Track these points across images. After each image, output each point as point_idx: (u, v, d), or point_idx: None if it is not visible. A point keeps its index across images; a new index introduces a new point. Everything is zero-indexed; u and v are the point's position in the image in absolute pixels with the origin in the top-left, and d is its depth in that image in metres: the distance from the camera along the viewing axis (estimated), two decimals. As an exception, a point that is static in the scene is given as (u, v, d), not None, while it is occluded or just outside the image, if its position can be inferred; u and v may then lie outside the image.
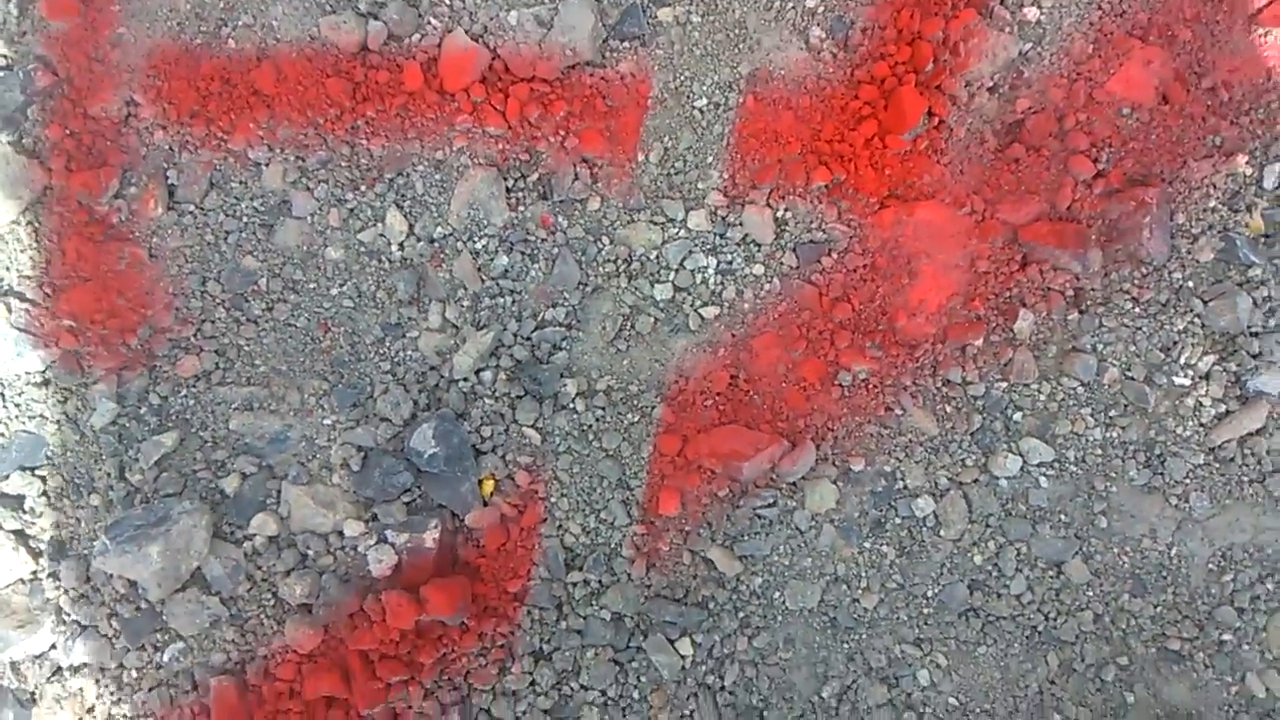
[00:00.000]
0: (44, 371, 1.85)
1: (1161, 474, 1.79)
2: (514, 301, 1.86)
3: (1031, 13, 1.83)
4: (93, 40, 1.90)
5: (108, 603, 1.82)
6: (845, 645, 1.82)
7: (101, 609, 1.82)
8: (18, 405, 1.86)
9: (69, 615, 1.83)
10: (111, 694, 1.83)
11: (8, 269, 1.88)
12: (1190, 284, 1.79)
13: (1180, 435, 1.79)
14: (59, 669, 1.84)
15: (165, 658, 1.81)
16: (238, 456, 1.84)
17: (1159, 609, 1.79)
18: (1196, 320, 1.79)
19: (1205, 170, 1.80)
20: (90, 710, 1.83)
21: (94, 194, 1.85)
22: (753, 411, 1.84)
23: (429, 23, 1.87)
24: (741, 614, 1.82)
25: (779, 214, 1.86)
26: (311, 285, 1.88)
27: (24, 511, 1.85)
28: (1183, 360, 1.79)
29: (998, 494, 1.80)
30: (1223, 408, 1.78)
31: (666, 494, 1.81)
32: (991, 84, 1.84)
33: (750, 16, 1.87)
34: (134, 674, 1.83)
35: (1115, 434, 1.80)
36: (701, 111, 1.87)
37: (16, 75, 1.90)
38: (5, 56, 1.93)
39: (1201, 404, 1.78)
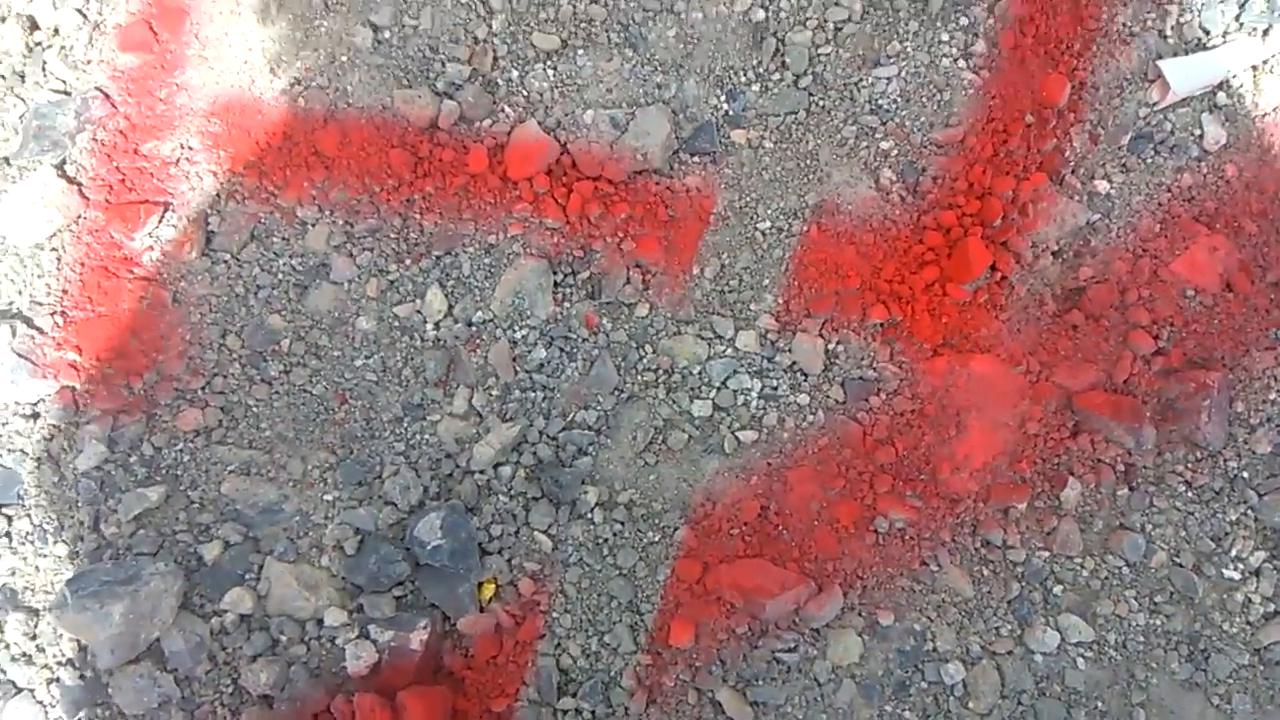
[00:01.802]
0: (36, 404, 1.86)
1: (1205, 670, 1.80)
2: (545, 398, 1.90)
3: (1102, 185, 1.97)
4: (160, 79, 2.00)
5: (51, 666, 1.76)
6: (856, 819, 1.77)
7: (43, 672, 1.76)
8: (1, 435, 1.85)
9: (4, 674, 1.77)
10: (33, 770, 1.74)
11: (20, 292, 1.91)
12: (1245, 474, 1.86)
13: (1226, 631, 1.81)
14: (-20, 733, 1.76)
15: (102, 736, 1.73)
16: (224, 523, 1.83)
17: (1196, 821, 1.76)
18: (1250, 513, 1.84)
19: (1268, 361, 1.89)
20: (5, 786, 1.73)
21: (130, 229, 1.92)
22: (780, 547, 1.86)
23: (503, 110, 1.98)
24: (746, 768, 1.77)
25: (830, 346, 1.93)
26: (336, 353, 1.92)
27: (-20, 550, 1.81)
28: (1234, 552, 1.83)
29: (1032, 670, 1.81)
30: (1271, 606, 1.82)
31: (679, 623, 1.80)
32: (1056, 248, 1.95)
33: (823, 149, 1.99)
34: (63, 750, 1.74)
35: (1159, 621, 1.82)
36: (764, 234, 1.97)
37: (73, 101, 2.00)
38: (64, 81, 2.02)
39: (1250, 600, 1.82)
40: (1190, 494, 1.87)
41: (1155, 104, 1.99)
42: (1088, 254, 1.97)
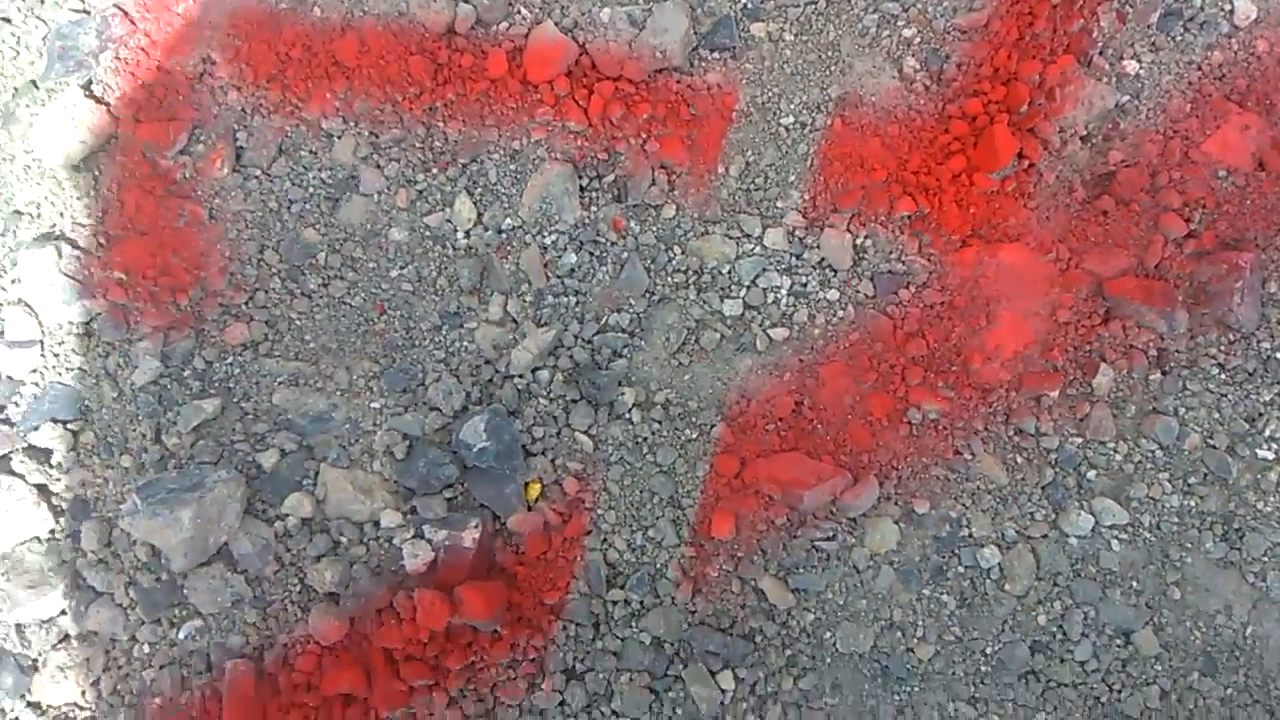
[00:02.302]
0: (88, 323, 1.95)
1: (1239, 549, 1.89)
2: (578, 302, 1.98)
3: (1131, 66, 1.98)
4: (177, -7, 2.03)
5: (127, 570, 1.90)
6: (896, 697, 1.90)
7: (120, 576, 1.90)
8: (56, 355, 1.96)
9: (84, 580, 1.91)
10: (120, 668, 1.90)
11: (62, 214, 1.99)
12: (1279, 355, 1.90)
13: (1261, 510, 1.89)
14: (67, 636, 1.91)
15: (181, 635, 1.88)
16: (278, 432, 1.94)
17: (1230, 690, 1.88)
18: (1282, 393, 1.90)
19: (1300, 241, 1.92)
20: (95, 683, 1.90)
21: (160, 147, 1.97)
22: (815, 441, 1.94)
23: (519, 11, 2.01)
24: (789, 651, 1.90)
25: (858, 240, 1.98)
26: (371, 265, 1.99)
27: (50, 466, 1.94)
28: (1268, 433, 1.90)
29: (1067, 552, 1.90)
30: (1305, 485, 1.89)
31: (720, 516, 1.91)
32: (1085, 133, 1.98)
33: (844, 40, 2.01)
34: (146, 649, 1.90)
35: (1193, 503, 1.90)
36: (787, 129, 2.00)
37: (93, 20, 2.04)
38: (82, 1, 2.05)
39: (1284, 479, 1.89)
40: (1223, 376, 1.93)
41: (1188, -23, 1.98)
42: (1117, 137, 1.99)
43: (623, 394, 1.96)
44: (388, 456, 1.93)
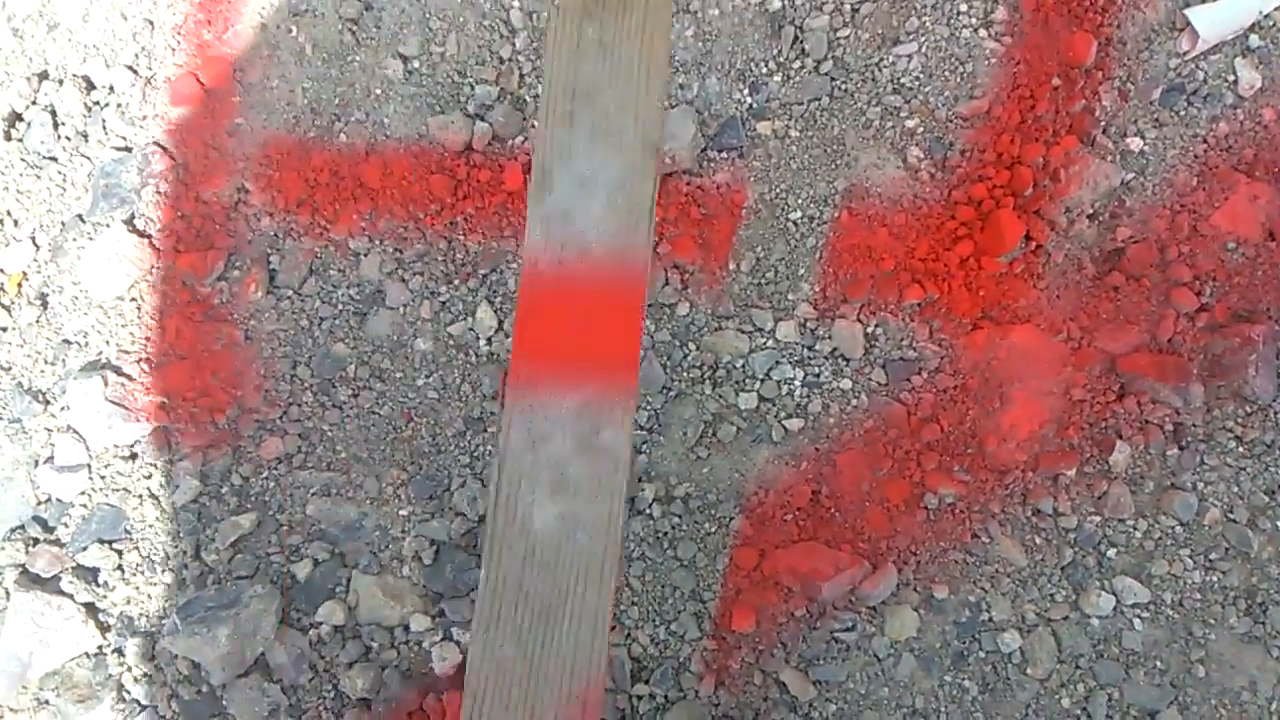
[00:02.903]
0: (133, 446, 2.14)
1: (1263, 623, 1.93)
2: (597, 403, 2.10)
3: (1135, 143, 2.07)
4: (211, 128, 2.24)
5: (170, 684, 2.05)
6: (922, 784, 1.96)
7: (163, 689, 2.05)
8: (103, 478, 2.14)
9: (130, 694, 2.07)
10: (165, 777, 2.04)
11: (108, 343, 2.18)
12: (1297, 425, 1.96)
13: (1285, 583, 1.93)
14: (115, 747, 2.06)
15: (222, 743, 2.02)
16: (312, 542, 2.09)
17: (1259, 768, 1.91)
18: (1304, 463, 1.95)
19: (1314, 309, 1.98)
20: (142, 793, 2.04)
21: (199, 275, 2.16)
22: (834, 530, 2.03)
23: (533, 125, 2.16)
24: (813, 742, 1.97)
25: (869, 330, 2.08)
26: (398, 375, 2.15)
27: (97, 585, 2.11)
28: (1289, 504, 1.94)
29: (1089, 634, 1.96)
30: (1331, 557, 1.93)
31: (741, 610, 2.00)
32: (1092, 211, 2.07)
33: (849, 133, 2.13)
34: (189, 758, 2.04)
35: (1215, 578, 1.95)
36: (795, 224, 2.13)
37: (135, 157, 2.25)
38: (124, 138, 2.27)
39: (1309, 551, 1.93)
40: (1241, 449, 1.98)
41: (1185, 53, 2.08)
42: (1124, 214, 2.08)
43: (643, 489, 2.08)
44: (416, 562, 2.06)
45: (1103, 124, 2.15)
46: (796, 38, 2.21)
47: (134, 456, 2.21)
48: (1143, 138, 2.13)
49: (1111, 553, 2.04)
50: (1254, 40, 2.11)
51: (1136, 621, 2.01)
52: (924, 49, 2.17)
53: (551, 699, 1.33)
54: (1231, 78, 2.13)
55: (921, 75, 2.18)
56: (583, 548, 1.39)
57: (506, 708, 1.32)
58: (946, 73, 2.17)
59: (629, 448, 1.37)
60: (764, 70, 2.22)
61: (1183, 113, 2.14)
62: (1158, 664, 2.00)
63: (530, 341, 1.46)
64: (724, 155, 2.23)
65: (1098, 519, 2.04)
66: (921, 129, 2.19)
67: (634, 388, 1.41)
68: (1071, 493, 2.06)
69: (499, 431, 1.41)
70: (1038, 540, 2.06)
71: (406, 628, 2.10)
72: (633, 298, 1.48)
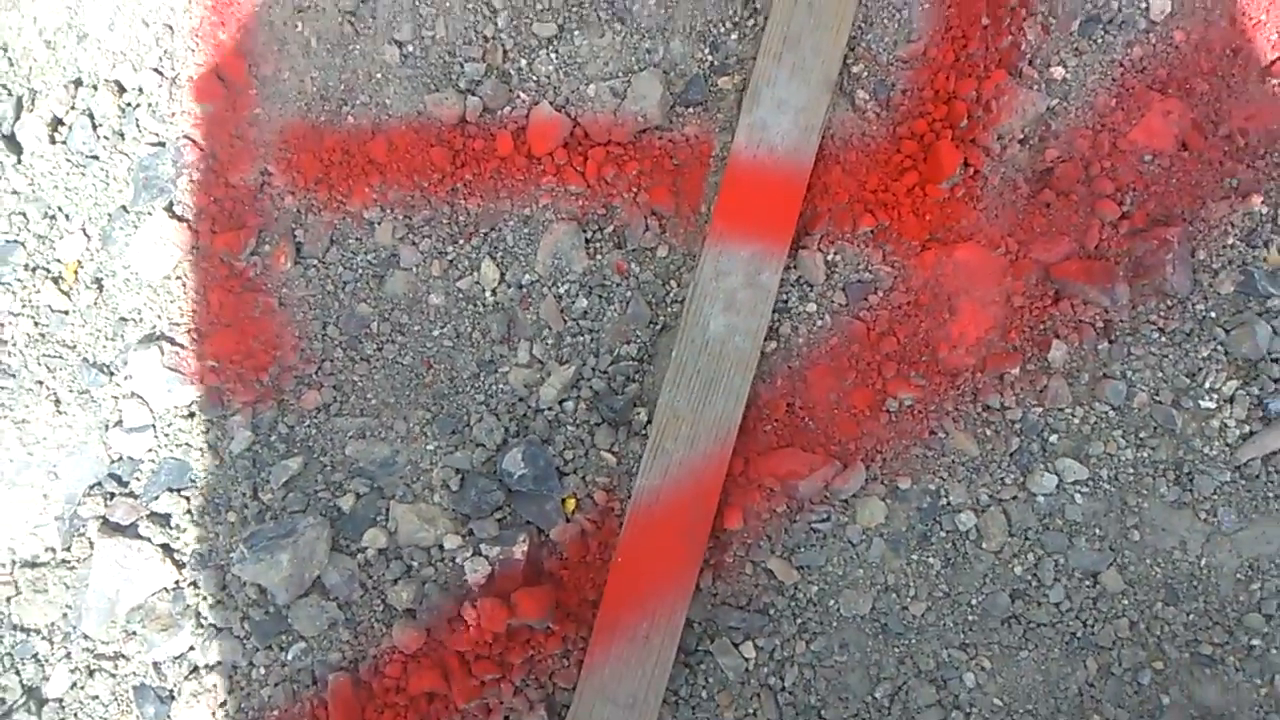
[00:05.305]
0: (190, 405, 2.45)
1: (1190, 491, 2.21)
2: (593, 339, 2.40)
3: (1058, 72, 2.33)
4: (233, 120, 2.53)
5: (241, 607, 2.38)
6: (896, 649, 2.27)
7: (235, 613, 2.38)
8: (167, 435, 2.46)
9: (206, 619, 2.40)
10: (242, 689, 2.38)
11: (160, 317, 2.49)
12: (1212, 314, 2.23)
13: (1207, 455, 2.21)
14: (196, 668, 2.40)
15: (289, 656, 2.35)
16: (353, 479, 2.40)
17: (1191, 616, 2.20)
18: (1219, 348, 2.22)
19: (1223, 210, 2.25)
20: (222, 704, 2.38)
21: (234, 252, 2.46)
22: (808, 436, 2.33)
23: (518, 96, 2.45)
24: (799, 620, 2.28)
25: (829, 257, 2.36)
26: (416, 328, 2.45)
27: (170, 528, 2.43)
28: (1208, 385, 2.22)
29: (1035, 510, 2.25)
30: (1247, 428, 2.20)
31: (730, 510, 2.30)
32: (1022, 136, 2.33)
33: (801, 83, 2.39)
34: (262, 671, 2.38)
35: (1145, 454, 2.23)
36: (759, 168, 2.39)
37: (168, 151, 2.55)
38: (156, 134, 2.56)
39: (1226, 425, 2.21)
40: (1164, 339, 2.26)
41: (1100, -13, 2.31)
42: (1051, 137, 2.34)
43: (638, 414, 2.38)
44: (445, 489, 2.38)
45: (1028, 56, 2.40)
46: (749, -1, 2.46)
47: (192, 415, 2.53)
48: (1065, 66, 2.38)
49: (1053, 438, 2.32)
50: (1161, -30, 2.35)
51: (1077, 496, 2.30)
52: (864, 0, 2.42)
53: (705, 435, 2.28)
54: (1144, 4, 2.37)
55: (864, 24, 2.43)
56: (738, 346, 2.28)
57: (676, 438, 2.27)
58: (886, 20, 2.42)
59: (776, 287, 2.25)
60: (722, 30, 2.48)
61: (1100, 40, 2.38)
62: (1097, 531, 2.29)
63: (726, 208, 2.32)
64: (691, 110, 2.50)
65: (1040, 410, 2.33)
66: (866, 73, 2.44)
67: (786, 249, 2.26)
68: (1016, 388, 2.34)
69: (695, 267, 2.31)
70: (988, 432, 2.34)
71: (441, 547, 2.42)
72: (797, 188, 2.31)
